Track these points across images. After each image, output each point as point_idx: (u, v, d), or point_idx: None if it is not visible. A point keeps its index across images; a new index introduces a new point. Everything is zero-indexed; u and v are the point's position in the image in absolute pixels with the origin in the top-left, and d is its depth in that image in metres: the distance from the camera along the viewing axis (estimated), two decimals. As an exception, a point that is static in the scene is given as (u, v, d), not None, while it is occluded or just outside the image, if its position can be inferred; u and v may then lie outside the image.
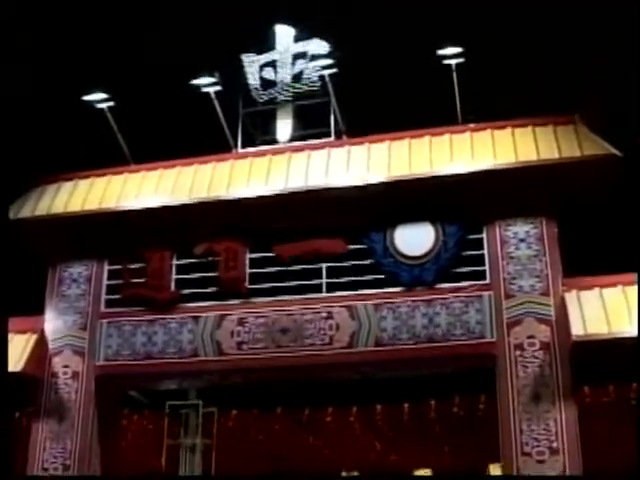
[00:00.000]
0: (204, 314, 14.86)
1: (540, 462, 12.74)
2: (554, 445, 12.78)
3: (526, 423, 12.96)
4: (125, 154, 16.29)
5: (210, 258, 15.18)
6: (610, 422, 18.67)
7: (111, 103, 16.29)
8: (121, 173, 16.09)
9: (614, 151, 13.32)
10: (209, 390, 16.69)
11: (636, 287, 12.97)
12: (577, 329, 12.77)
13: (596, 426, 18.23)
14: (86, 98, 16.36)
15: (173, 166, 15.84)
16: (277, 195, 14.70)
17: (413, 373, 14.99)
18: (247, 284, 14.91)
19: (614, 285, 13.35)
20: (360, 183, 14.39)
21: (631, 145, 13.58)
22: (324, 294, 14.52)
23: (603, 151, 13.44)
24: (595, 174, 13.49)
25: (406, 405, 19.32)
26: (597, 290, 13.31)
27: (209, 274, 15.13)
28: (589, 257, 14.38)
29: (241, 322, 14.65)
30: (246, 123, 16.22)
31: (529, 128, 14.32)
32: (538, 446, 12.81)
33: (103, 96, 16.30)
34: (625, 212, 14.79)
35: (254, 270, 14.98)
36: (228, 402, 17.54)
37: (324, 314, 14.30)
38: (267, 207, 14.78)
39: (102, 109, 16.31)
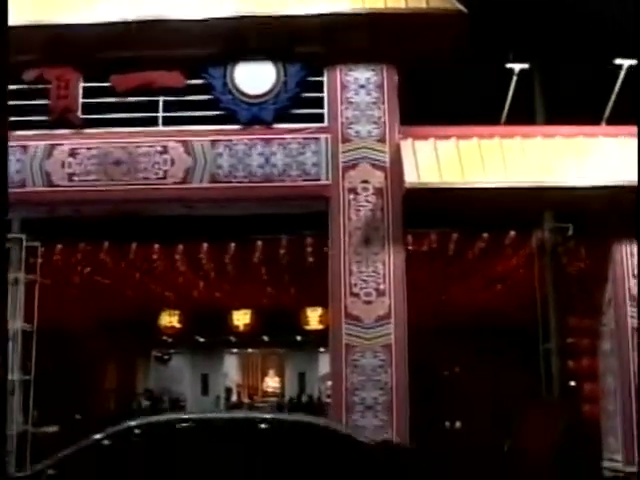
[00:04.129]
0: (33, 143, 14.20)
1: (367, 303, 13.21)
2: (381, 287, 13.25)
3: (356, 265, 13.33)
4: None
5: (41, 85, 14.41)
6: (432, 267, 19.57)
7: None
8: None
9: (460, 7, 13.39)
10: (34, 223, 16.16)
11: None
12: (410, 176, 13.08)
13: (419, 271, 19.08)
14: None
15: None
16: (113, 23, 13.93)
17: (247, 212, 14.99)
18: (80, 114, 14.32)
19: (448, 137, 13.67)
20: (202, 17, 13.89)
21: (478, 3, 13.70)
22: (160, 128, 14.16)
23: (449, 5, 13.47)
24: (439, 28, 13.54)
25: (232, 244, 19.41)
26: (432, 140, 13.61)
27: (39, 102, 14.38)
28: (426, 108, 14.60)
29: (72, 153, 14.11)
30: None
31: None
32: (366, 288, 13.26)
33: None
34: (466, 69, 15.05)
35: (88, 100, 14.35)
36: (54, 236, 17.05)
37: (159, 148, 13.98)
38: (102, 36, 14.01)
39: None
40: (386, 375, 13.05)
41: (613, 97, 14.56)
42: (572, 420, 3.48)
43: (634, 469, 13.21)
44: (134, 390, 34.89)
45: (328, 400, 33.76)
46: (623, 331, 13.69)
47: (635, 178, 12.75)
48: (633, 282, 13.75)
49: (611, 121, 14.35)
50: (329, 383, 35.98)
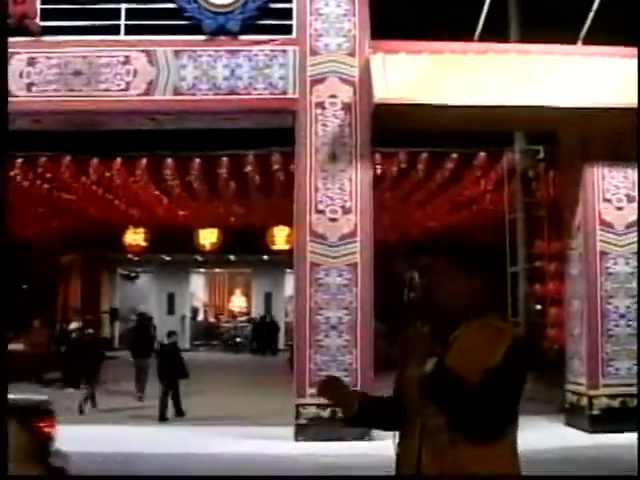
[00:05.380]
0: (-11, 50, 13.61)
1: (333, 220, 12.94)
2: (347, 205, 12.97)
3: (322, 182, 13.02)
4: None
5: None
6: (400, 188, 19.33)
7: None
8: None
9: None
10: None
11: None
12: (380, 92, 12.69)
13: (387, 191, 18.86)
14: None
15: None
16: None
17: (212, 126, 14.57)
18: (38, 21, 13.70)
19: (419, 52, 13.26)
20: None
21: None
22: (122, 37, 13.57)
23: None
24: None
25: (197, 160, 19.03)
26: (403, 55, 13.21)
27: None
28: (398, 22, 14.19)
29: (31, 62, 13.47)
30: None
31: None
32: (332, 205, 12.97)
33: None
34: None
35: (47, 6, 13.68)
36: (13, 149, 16.57)
37: (121, 58, 13.40)
38: None
39: None
40: (351, 294, 12.86)
41: (590, 16, 14.19)
42: (516, 344, 3.33)
43: (598, 392, 13.23)
44: (99, 308, 34.71)
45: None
46: (592, 255, 13.54)
47: (609, 100, 12.55)
48: (603, 206, 13.58)
49: (587, 41, 13.98)
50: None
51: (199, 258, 34.75)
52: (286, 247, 29.55)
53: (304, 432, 12.66)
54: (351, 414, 3.74)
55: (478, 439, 3.33)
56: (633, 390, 13.25)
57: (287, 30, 13.53)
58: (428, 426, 3.43)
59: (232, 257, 35.59)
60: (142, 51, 13.43)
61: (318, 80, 13.25)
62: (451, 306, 3.55)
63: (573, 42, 13.94)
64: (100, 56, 13.45)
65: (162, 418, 15.25)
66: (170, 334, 17.19)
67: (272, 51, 13.36)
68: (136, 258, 34.08)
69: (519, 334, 3.62)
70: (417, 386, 3.40)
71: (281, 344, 36.54)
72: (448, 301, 3.55)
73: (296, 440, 12.65)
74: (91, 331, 19.27)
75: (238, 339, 36.63)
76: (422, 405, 3.44)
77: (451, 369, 3.30)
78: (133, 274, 38.76)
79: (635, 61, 12.83)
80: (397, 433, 3.66)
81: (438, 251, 3.65)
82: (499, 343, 3.39)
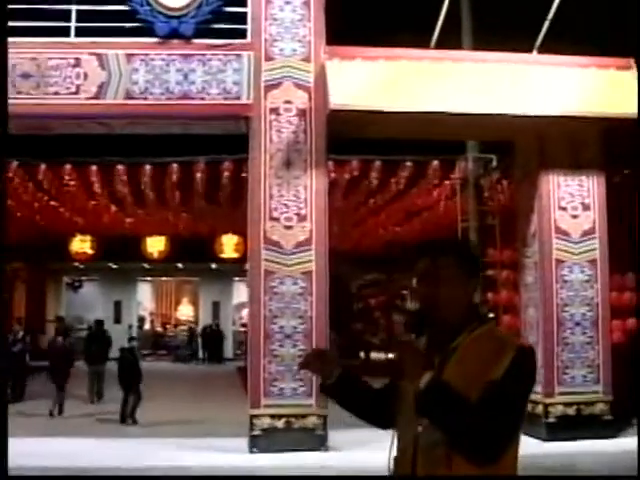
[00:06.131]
0: None
1: (288, 228, 12.74)
2: (302, 212, 12.78)
3: (276, 188, 12.81)
4: None
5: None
6: (353, 196, 19.23)
7: None
8: None
9: None
10: None
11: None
12: (335, 98, 12.56)
13: (341, 199, 18.75)
14: None
15: None
16: None
17: (164, 131, 14.31)
18: (-16, 20, 13.35)
19: (375, 59, 13.15)
20: None
21: None
22: (72, 39, 13.24)
23: None
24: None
25: (147, 167, 18.73)
26: (359, 61, 13.08)
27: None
28: (354, 28, 14.09)
29: (-24, 62, 13.18)
30: None
31: None
32: (286, 212, 12.77)
33: None
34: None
35: (-7, 5, 13.38)
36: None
37: (71, 61, 13.05)
38: None
39: None
40: (306, 303, 12.67)
41: (546, 25, 14.23)
42: (521, 354, 3.17)
43: (553, 400, 13.21)
44: (44, 318, 34.10)
45: (242, 329, 33.79)
46: (547, 263, 13.54)
47: (565, 108, 12.59)
48: (559, 214, 13.59)
49: (543, 50, 14.00)
50: (244, 312, 35.92)
51: (146, 266, 34.34)
52: (234, 255, 29.34)
53: (258, 443, 12.42)
54: (327, 380, 3.59)
55: (479, 458, 3.10)
56: (588, 398, 13.32)
57: (242, 35, 13.32)
58: (422, 441, 3.25)
59: (180, 265, 35.23)
60: (93, 54, 13.09)
61: (273, 85, 13.05)
62: (453, 312, 3.35)
63: (529, 51, 13.97)
64: (49, 58, 13.09)
65: (123, 421, 15.82)
66: (131, 339, 18.53)
67: (226, 56, 13.13)
68: (82, 266, 33.55)
69: (524, 343, 3.40)
70: (413, 401, 3.20)
71: (229, 353, 36.28)
72: (451, 306, 3.35)
73: (250, 452, 12.40)
74: (60, 339, 19.00)
75: (180, 349, 36.36)
76: (416, 419, 3.25)
77: (448, 384, 3.11)
78: (78, 283, 38.16)
79: (592, 70, 12.93)
80: (395, 439, 3.46)
81: (440, 254, 3.45)
82: (503, 354, 3.19)
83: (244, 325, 35.83)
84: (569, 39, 13.63)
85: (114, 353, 20.98)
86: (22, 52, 13.06)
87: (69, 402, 17.65)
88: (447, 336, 3.34)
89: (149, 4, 13.24)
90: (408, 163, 18.01)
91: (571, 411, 13.29)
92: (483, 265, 15.83)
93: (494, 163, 17.54)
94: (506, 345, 3.29)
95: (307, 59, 13.18)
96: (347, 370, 3.65)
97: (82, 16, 13.28)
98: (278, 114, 13.00)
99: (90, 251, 29.70)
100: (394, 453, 3.47)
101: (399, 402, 3.44)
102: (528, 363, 3.27)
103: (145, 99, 13.01)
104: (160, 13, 13.24)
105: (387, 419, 3.58)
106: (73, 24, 13.27)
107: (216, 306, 38.14)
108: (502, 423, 3.12)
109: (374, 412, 3.66)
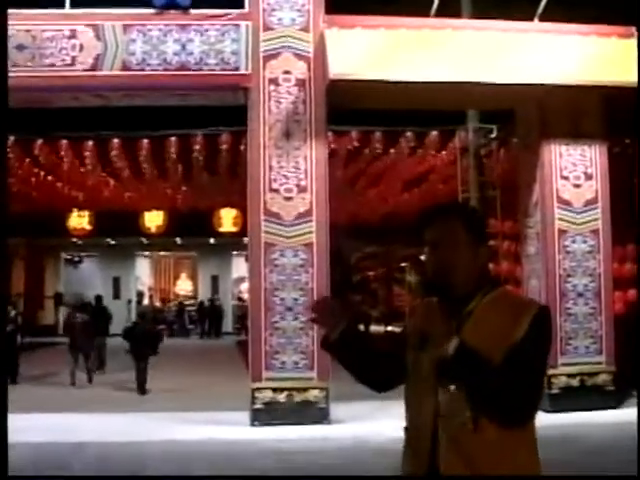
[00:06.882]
0: None
1: (287, 199, 12.62)
2: (302, 183, 12.65)
3: (276, 160, 12.67)
4: None
5: None
6: (351, 166, 19.08)
7: None
8: None
9: None
10: None
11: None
12: (334, 67, 12.40)
13: (339, 169, 18.60)
14: None
15: None
16: None
17: (161, 103, 14.15)
18: (-23, -9, 13.15)
19: (375, 27, 12.98)
20: None
21: None
22: (68, 10, 13.04)
23: None
24: None
25: (145, 140, 18.59)
26: (358, 30, 12.91)
27: None
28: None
29: (-30, 34, 13.00)
30: None
31: None
32: (286, 183, 12.64)
33: None
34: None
35: (-14, -24, 13.19)
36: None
37: (67, 32, 12.87)
38: None
39: None
40: (307, 275, 12.57)
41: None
42: (542, 312, 3.12)
43: (557, 371, 13.13)
44: (43, 294, 34.07)
45: (242, 303, 33.77)
46: (550, 233, 13.43)
47: (566, 77, 12.45)
48: (561, 184, 13.47)
49: (544, 17, 13.82)
50: (243, 286, 35.88)
51: (145, 241, 34.27)
52: (233, 229, 29.26)
53: (260, 417, 12.36)
54: (331, 334, 3.46)
55: (511, 421, 3.06)
56: (591, 368, 13.25)
57: (239, 4, 13.13)
58: (444, 408, 3.16)
59: (178, 240, 35.17)
60: (89, 25, 12.90)
61: (271, 56, 12.88)
62: (466, 277, 3.26)
63: (530, 19, 13.79)
64: (45, 30, 12.89)
65: (142, 392, 16.44)
66: (142, 315, 19.88)
67: (224, 26, 12.95)
68: (80, 242, 33.47)
69: (541, 304, 3.31)
70: (434, 367, 3.11)
71: (228, 327, 36.30)
72: (464, 271, 3.25)
73: (252, 425, 12.35)
74: (83, 316, 19.17)
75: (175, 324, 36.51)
76: (437, 386, 3.16)
77: (476, 349, 3.03)
78: (77, 258, 38.08)
79: (593, 38, 12.79)
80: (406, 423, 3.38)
81: (451, 218, 3.34)
82: (521, 316, 3.13)
83: (240, 299, 35.92)
84: (570, 7, 13.47)
85: (113, 329, 21.04)
86: (17, 24, 12.82)
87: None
88: (461, 301, 3.25)
89: (146, -26, 13.06)
90: (408, 134, 17.88)
91: (575, 382, 13.22)
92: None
93: (494, 133, 17.39)
94: (524, 306, 3.24)
95: (306, 28, 13.00)
96: (351, 326, 3.52)
97: (77, -14, 13.11)
98: (277, 84, 12.84)
99: (88, 227, 29.62)
100: (404, 423, 3.40)
101: (408, 374, 3.37)
102: (548, 323, 3.21)
103: (142, 70, 12.83)
104: (157, -18, 13.05)
105: (383, 383, 3.57)
106: (68, -5, 13.08)
107: (215, 280, 38.15)
108: (531, 384, 3.10)
109: (372, 375, 3.57)
